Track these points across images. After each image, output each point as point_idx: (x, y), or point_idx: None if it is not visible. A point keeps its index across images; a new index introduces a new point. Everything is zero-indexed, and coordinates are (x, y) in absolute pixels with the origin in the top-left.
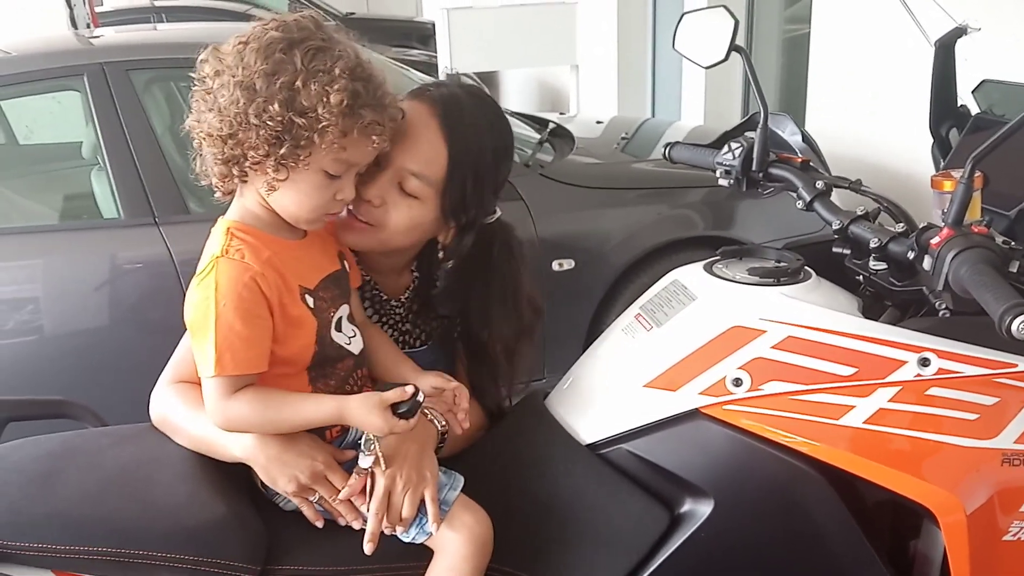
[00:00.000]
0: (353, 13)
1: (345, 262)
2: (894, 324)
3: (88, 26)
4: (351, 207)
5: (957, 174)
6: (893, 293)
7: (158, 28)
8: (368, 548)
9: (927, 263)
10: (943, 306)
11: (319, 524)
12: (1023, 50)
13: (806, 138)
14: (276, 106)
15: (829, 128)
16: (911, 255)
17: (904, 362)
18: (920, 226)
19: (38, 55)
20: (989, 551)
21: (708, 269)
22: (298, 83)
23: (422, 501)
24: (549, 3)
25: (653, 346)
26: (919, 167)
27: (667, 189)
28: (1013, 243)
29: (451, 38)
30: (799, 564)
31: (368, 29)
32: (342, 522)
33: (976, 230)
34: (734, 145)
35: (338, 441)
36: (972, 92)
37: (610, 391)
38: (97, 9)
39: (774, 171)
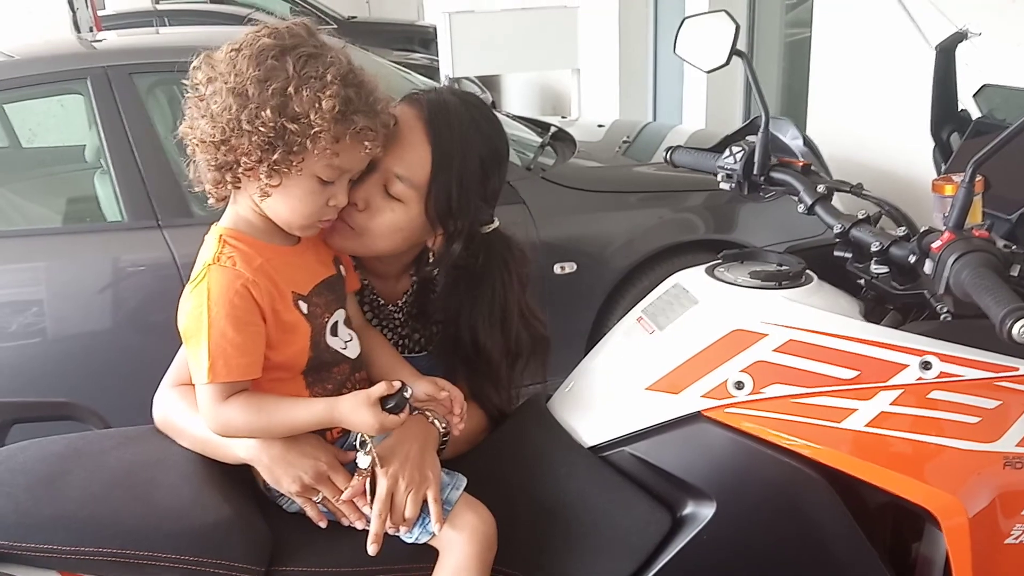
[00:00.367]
0: (355, 17)
1: (341, 266)
2: (896, 328)
3: (91, 29)
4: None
5: (958, 178)
6: (895, 297)
7: (160, 32)
8: (372, 549)
9: (928, 267)
10: (944, 310)
11: (323, 524)
12: None
13: (807, 142)
14: (268, 112)
15: (830, 132)
16: (912, 259)
17: (906, 365)
18: (921, 230)
19: (41, 58)
20: (991, 554)
21: (710, 272)
22: (290, 89)
23: (425, 501)
24: (551, 7)
25: (655, 349)
26: (920, 171)
27: (668, 193)
28: (1014, 247)
29: (453, 42)
30: (801, 567)
31: (370, 33)
32: (345, 523)
33: (977, 234)
34: (735, 149)
35: (340, 442)
36: (973, 96)
37: (612, 394)
38: (100, 13)
39: (775, 175)
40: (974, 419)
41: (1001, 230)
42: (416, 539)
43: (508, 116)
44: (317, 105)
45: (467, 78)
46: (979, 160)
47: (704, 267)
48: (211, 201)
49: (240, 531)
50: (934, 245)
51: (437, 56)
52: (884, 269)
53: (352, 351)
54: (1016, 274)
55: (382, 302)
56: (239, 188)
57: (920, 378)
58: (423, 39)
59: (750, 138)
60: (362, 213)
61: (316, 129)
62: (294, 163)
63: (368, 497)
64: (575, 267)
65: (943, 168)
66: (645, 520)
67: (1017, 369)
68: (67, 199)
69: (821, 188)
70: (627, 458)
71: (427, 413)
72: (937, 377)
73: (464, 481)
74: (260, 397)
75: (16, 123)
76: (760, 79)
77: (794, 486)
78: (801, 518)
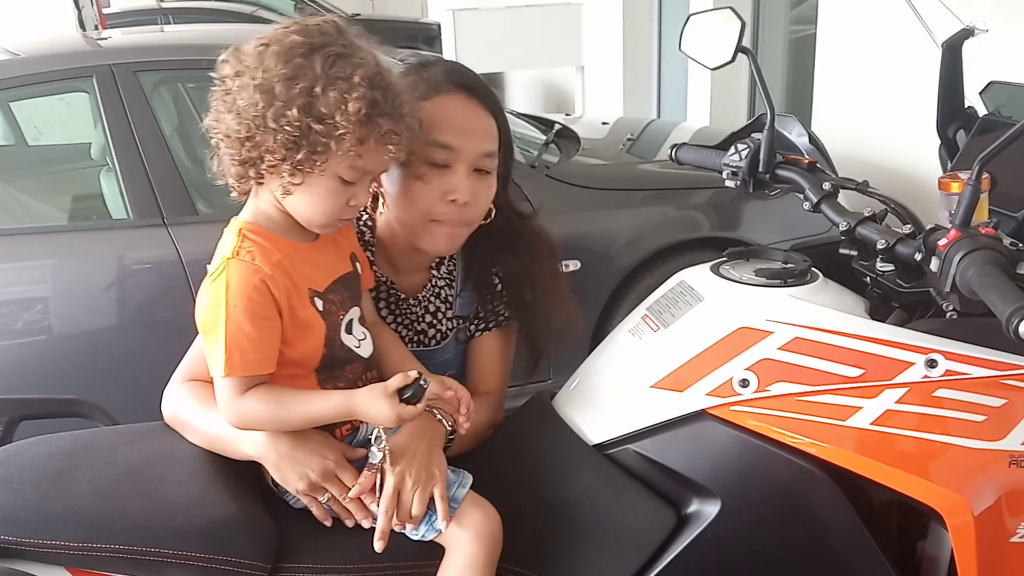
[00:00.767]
0: (359, 14)
1: (357, 264)
2: (901, 325)
3: (96, 27)
4: (448, 218)
5: (964, 176)
6: (900, 295)
7: (165, 29)
8: (378, 546)
9: (934, 264)
10: (950, 307)
11: (327, 523)
12: None
13: (812, 139)
14: (295, 111)
15: (835, 129)
16: (918, 256)
17: (911, 363)
18: (927, 228)
19: (47, 57)
20: (997, 553)
21: (715, 270)
22: (317, 89)
23: (432, 499)
24: (555, 4)
25: (660, 347)
26: (926, 169)
27: (673, 190)
28: (1020, 245)
29: (457, 39)
30: (805, 565)
31: (373, 30)
32: (350, 523)
33: (983, 232)
34: (741, 146)
35: (348, 439)
36: (980, 93)
37: (617, 392)
38: (104, 11)
39: (781, 172)
40: (980, 417)
41: (1008, 228)
42: (422, 536)
43: (512, 113)
44: (343, 107)
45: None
46: (985, 157)
47: (709, 265)
48: (233, 194)
49: (247, 528)
50: (940, 243)
51: (441, 53)
52: (890, 267)
53: (365, 350)
54: (1022, 272)
55: (402, 296)
56: (262, 183)
57: (926, 376)
58: (427, 36)
59: (755, 135)
60: (471, 204)
61: (341, 131)
62: (317, 163)
63: (377, 493)
64: (579, 265)
65: (949, 165)
66: (650, 518)
67: (1023, 367)
68: (73, 197)
69: (827, 186)
70: (632, 456)
71: (434, 411)
72: (943, 375)
73: (470, 479)
74: (277, 390)
75: (22, 121)
76: (765, 76)
77: (799, 484)
78: (806, 516)
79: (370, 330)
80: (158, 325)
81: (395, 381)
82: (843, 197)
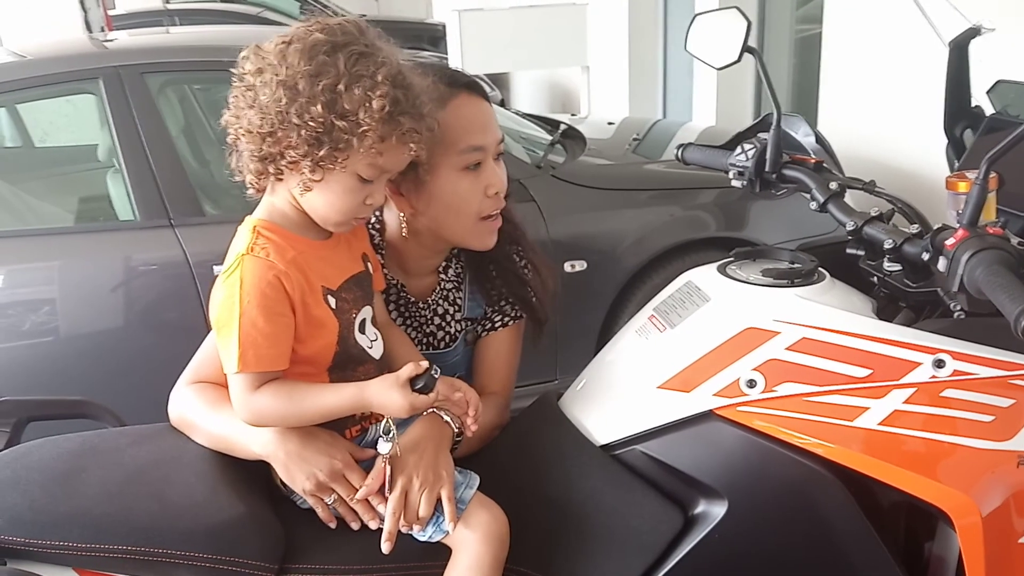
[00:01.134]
0: (364, 15)
1: (369, 264)
2: (909, 325)
3: (102, 29)
4: (494, 211)
5: (972, 175)
6: (908, 294)
7: (171, 31)
8: (385, 547)
9: (942, 264)
10: (958, 307)
11: (332, 525)
12: None
13: (819, 139)
14: (319, 107)
15: (842, 129)
16: (926, 256)
17: (919, 364)
18: (934, 227)
19: (53, 59)
20: (1005, 554)
21: (722, 270)
22: (340, 86)
23: (439, 500)
24: (560, 4)
25: (667, 347)
26: (933, 168)
27: (679, 190)
28: None
29: (462, 40)
30: (813, 566)
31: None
32: (355, 526)
33: (991, 231)
34: (747, 146)
35: (357, 440)
36: (987, 92)
37: (624, 392)
38: (110, 13)
39: (787, 172)
40: (988, 417)
41: (1015, 227)
42: (429, 538)
43: (518, 114)
44: (367, 104)
45: (477, 76)
46: (993, 157)
47: (716, 265)
48: (251, 191)
49: (254, 529)
50: (948, 242)
51: (446, 54)
52: (897, 267)
53: (377, 351)
54: None
55: (412, 299)
56: (281, 180)
57: (933, 376)
58: (432, 37)
59: (762, 135)
60: (503, 191)
61: (364, 128)
62: (339, 160)
63: (382, 496)
64: (585, 265)
65: (956, 165)
66: (657, 518)
67: None
68: (79, 198)
69: (833, 185)
70: (639, 456)
71: (441, 413)
72: (950, 375)
73: (477, 480)
74: (290, 384)
75: (29, 123)
76: (771, 76)
77: (806, 485)
78: (813, 517)
79: (381, 331)
80: (165, 326)
81: (406, 370)
82: (850, 197)
